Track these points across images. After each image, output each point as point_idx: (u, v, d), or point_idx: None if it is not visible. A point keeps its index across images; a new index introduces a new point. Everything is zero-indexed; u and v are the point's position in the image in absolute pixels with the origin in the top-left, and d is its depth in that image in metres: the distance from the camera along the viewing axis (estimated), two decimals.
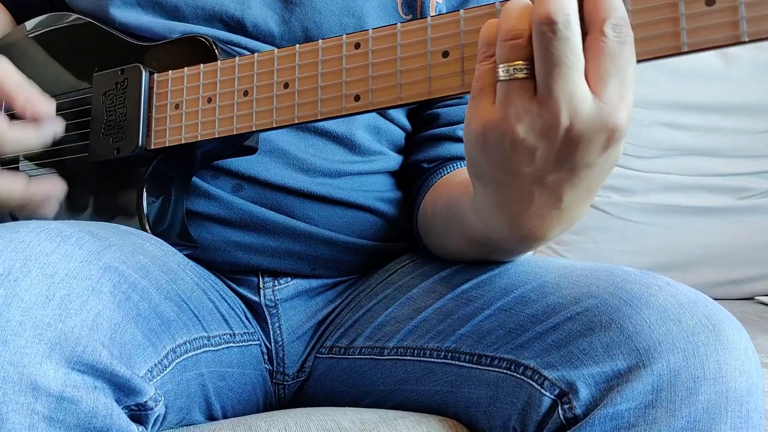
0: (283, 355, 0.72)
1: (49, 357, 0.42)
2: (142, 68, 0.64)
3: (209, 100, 0.61)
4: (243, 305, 0.71)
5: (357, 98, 0.55)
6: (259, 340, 0.71)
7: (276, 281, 0.71)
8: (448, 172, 0.73)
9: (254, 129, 0.59)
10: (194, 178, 0.68)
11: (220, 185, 0.68)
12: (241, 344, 0.67)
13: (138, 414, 0.48)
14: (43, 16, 0.75)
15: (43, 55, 0.74)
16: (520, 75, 0.45)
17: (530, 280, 0.60)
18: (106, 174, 0.67)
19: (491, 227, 0.56)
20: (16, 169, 0.71)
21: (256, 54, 0.60)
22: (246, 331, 0.69)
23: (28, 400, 0.41)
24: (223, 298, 0.68)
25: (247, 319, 0.71)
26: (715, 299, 0.55)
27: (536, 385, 0.53)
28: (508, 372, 0.56)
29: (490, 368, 0.58)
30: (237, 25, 0.69)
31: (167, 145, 0.63)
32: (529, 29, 0.44)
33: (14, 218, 0.71)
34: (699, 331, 0.51)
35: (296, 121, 0.57)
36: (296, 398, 0.73)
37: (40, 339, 0.42)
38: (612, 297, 0.53)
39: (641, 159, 1.50)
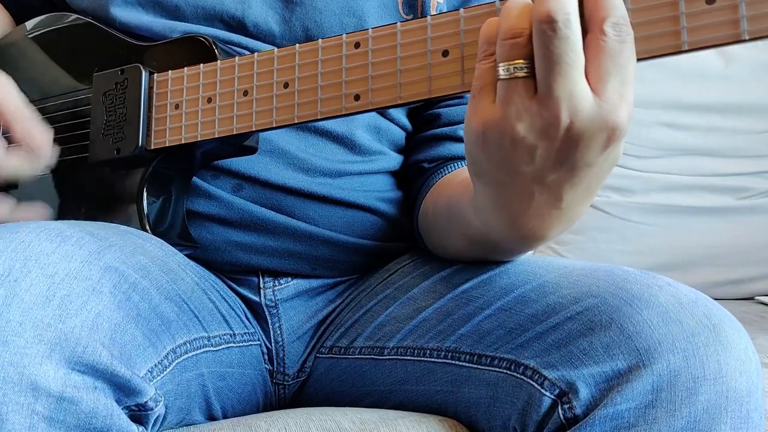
0: (284, 355, 0.72)
1: (49, 357, 0.42)
2: (141, 68, 0.64)
3: (209, 100, 0.61)
4: (243, 305, 0.71)
5: (357, 98, 0.55)
6: (259, 340, 0.71)
7: (276, 281, 0.71)
8: (448, 172, 0.73)
9: (254, 129, 0.59)
10: (194, 178, 0.68)
11: (221, 185, 0.68)
12: (241, 344, 0.67)
13: (138, 414, 0.48)
14: (43, 17, 0.75)
15: (43, 56, 0.74)
16: (521, 74, 0.45)
17: (530, 280, 0.60)
18: (107, 174, 0.67)
19: (491, 227, 0.56)
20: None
21: (255, 54, 0.60)
22: (246, 331, 0.69)
23: (28, 400, 0.41)
24: (224, 298, 0.68)
25: (248, 319, 0.71)
26: (715, 299, 0.55)
27: (536, 385, 0.53)
28: (508, 372, 0.56)
29: (490, 368, 0.58)
30: (238, 25, 0.69)
31: (167, 145, 0.63)
32: (529, 28, 0.44)
33: None
34: (699, 331, 0.51)
35: (296, 121, 0.57)
36: (296, 398, 0.73)
37: (40, 339, 0.42)
38: (612, 297, 0.53)
39: (641, 159, 1.50)
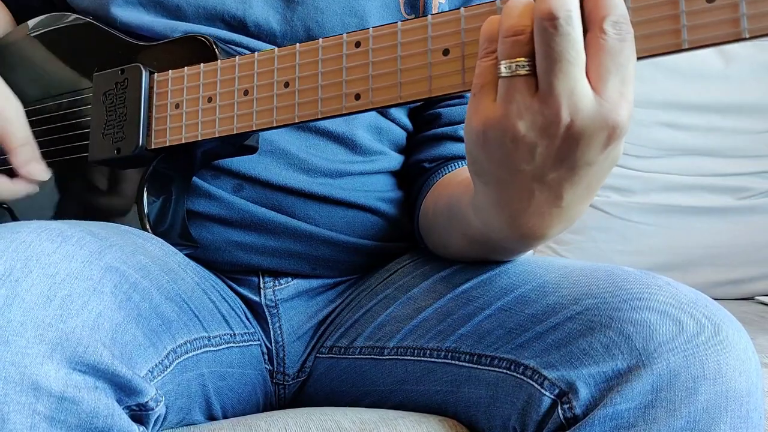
0: (284, 355, 0.72)
1: (50, 357, 0.42)
2: (142, 68, 0.63)
3: (209, 100, 0.61)
4: (243, 305, 0.71)
5: (357, 97, 0.55)
6: (259, 340, 0.71)
7: (276, 281, 0.71)
8: (449, 172, 0.73)
9: (254, 128, 0.59)
10: (195, 179, 0.68)
11: (221, 185, 0.68)
12: (241, 344, 0.67)
13: (139, 414, 0.49)
14: (43, 16, 0.75)
15: (43, 55, 0.74)
16: (522, 71, 0.45)
17: (530, 280, 0.60)
18: (107, 174, 0.67)
19: (491, 226, 0.56)
20: (9, 170, 0.71)
21: (256, 53, 0.60)
22: (246, 331, 0.69)
23: (29, 400, 0.41)
24: (224, 298, 0.68)
25: (248, 319, 0.71)
26: (715, 299, 0.55)
27: (536, 385, 0.53)
28: (508, 372, 0.56)
29: (490, 368, 0.58)
30: (239, 25, 0.69)
31: (167, 144, 0.63)
32: (531, 25, 0.44)
33: (14, 219, 0.71)
34: (699, 331, 0.51)
35: (296, 121, 0.57)
36: (296, 398, 0.73)
37: (41, 339, 0.42)
38: (612, 297, 0.53)
39: (641, 159, 1.50)
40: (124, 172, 0.66)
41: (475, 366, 0.59)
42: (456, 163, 0.74)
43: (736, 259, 1.48)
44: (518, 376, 0.55)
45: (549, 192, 0.49)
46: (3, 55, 0.76)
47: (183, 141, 0.62)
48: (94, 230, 0.52)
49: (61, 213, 0.69)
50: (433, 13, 0.71)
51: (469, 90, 0.49)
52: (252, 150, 0.66)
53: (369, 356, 0.67)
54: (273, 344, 0.71)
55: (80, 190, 0.69)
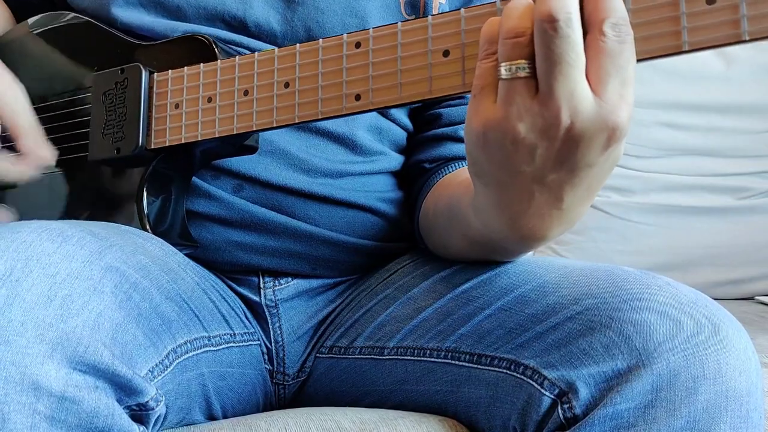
0: (284, 355, 0.72)
1: (50, 357, 0.42)
2: (141, 68, 0.64)
3: (209, 100, 0.61)
4: (243, 305, 0.71)
5: (358, 98, 0.55)
6: (259, 340, 0.71)
7: (276, 281, 0.71)
8: (449, 172, 0.73)
9: (254, 129, 0.59)
10: (195, 179, 0.68)
11: (221, 186, 0.68)
12: (241, 344, 0.67)
13: (139, 414, 0.49)
14: (41, 15, 0.75)
15: (43, 54, 0.74)
16: (522, 73, 0.45)
17: (530, 280, 0.60)
18: (107, 174, 0.67)
19: (491, 227, 0.56)
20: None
21: (256, 53, 0.60)
22: (246, 331, 0.69)
23: (29, 400, 0.41)
24: (224, 298, 0.68)
25: (248, 319, 0.71)
26: (715, 299, 0.55)
27: (536, 385, 0.53)
28: (508, 372, 0.56)
29: (490, 368, 0.58)
30: (239, 25, 0.69)
31: (167, 144, 0.63)
32: (531, 27, 0.44)
33: (15, 218, 0.71)
34: (699, 331, 0.51)
35: (297, 121, 0.57)
36: (296, 398, 0.73)
37: (41, 339, 0.42)
38: (612, 297, 0.54)
39: (641, 159, 1.50)
40: (124, 171, 0.66)
41: (475, 366, 0.59)
42: (456, 164, 0.74)
43: (736, 259, 1.48)
44: (518, 376, 0.55)
45: (549, 194, 0.49)
46: (3, 53, 0.76)
47: (183, 141, 0.62)
48: (94, 230, 0.52)
49: (61, 213, 0.69)
50: (434, 14, 0.71)
51: (469, 91, 0.49)
52: (252, 150, 0.66)
53: (369, 356, 0.67)
54: (273, 344, 0.71)
55: (80, 190, 0.69)
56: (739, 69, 1.52)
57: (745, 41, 0.43)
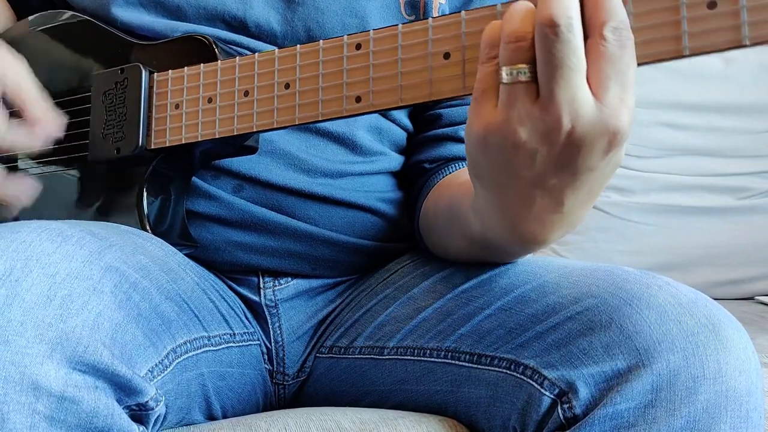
0: (283, 355, 0.72)
1: (50, 357, 0.42)
2: (141, 68, 0.63)
3: (210, 100, 0.61)
4: (243, 305, 0.71)
5: (358, 99, 0.55)
6: (259, 340, 0.71)
7: (276, 281, 0.71)
8: (449, 173, 0.73)
9: (255, 129, 0.59)
10: (195, 179, 0.68)
11: (221, 186, 0.68)
12: (241, 344, 0.67)
13: (139, 414, 0.49)
14: (40, 14, 0.75)
15: (43, 53, 0.74)
16: (523, 78, 0.45)
17: (530, 280, 0.60)
18: (106, 174, 0.67)
19: (491, 229, 0.56)
20: (15, 167, 0.71)
21: (256, 54, 0.60)
22: (246, 331, 0.69)
23: (29, 399, 0.41)
24: (223, 298, 0.68)
25: (247, 319, 0.71)
26: (715, 299, 0.55)
27: (536, 385, 0.54)
28: (508, 372, 0.56)
29: (490, 368, 0.58)
30: (239, 25, 0.69)
31: (167, 145, 0.63)
32: (532, 32, 0.44)
33: (15, 218, 0.71)
34: (699, 331, 0.51)
35: (297, 122, 0.57)
36: (296, 398, 0.73)
37: (41, 339, 0.42)
38: (612, 297, 0.54)
39: (641, 159, 1.50)
40: (124, 172, 0.66)
41: (475, 366, 0.59)
42: (456, 164, 0.74)
43: (736, 259, 1.48)
44: (518, 375, 0.55)
45: (550, 197, 0.49)
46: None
47: (183, 142, 0.62)
48: (94, 230, 0.52)
49: (60, 213, 0.69)
50: (434, 15, 0.71)
51: (469, 94, 0.49)
52: (252, 150, 0.66)
53: (369, 356, 0.67)
54: (273, 344, 0.71)
55: (80, 190, 0.69)
56: (739, 69, 1.52)
57: (745, 46, 0.43)
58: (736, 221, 1.49)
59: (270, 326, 0.71)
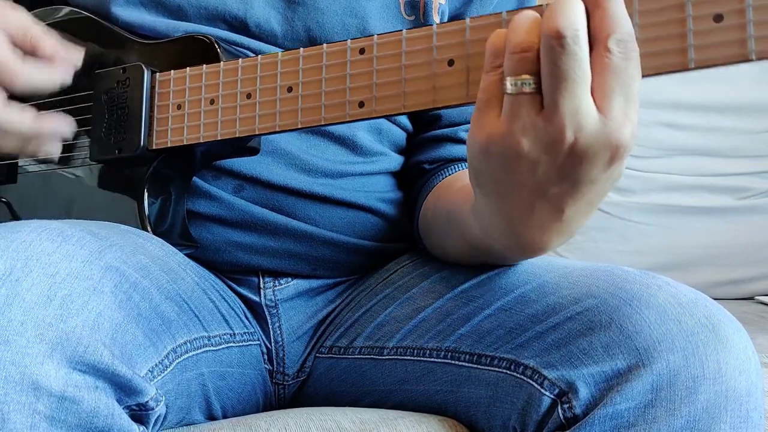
0: (283, 355, 0.72)
1: (50, 357, 0.42)
2: (144, 67, 0.63)
3: (212, 102, 0.61)
4: (243, 305, 0.71)
5: (361, 105, 0.54)
6: (259, 340, 0.71)
7: (276, 281, 0.71)
8: (449, 174, 0.73)
9: (257, 132, 0.59)
10: (195, 179, 0.68)
11: (222, 186, 0.68)
12: (241, 344, 0.67)
13: (139, 414, 0.49)
14: (38, 9, 0.74)
15: None
16: (528, 89, 0.45)
17: (530, 280, 0.60)
18: (107, 173, 0.67)
19: (491, 235, 0.56)
20: (15, 165, 0.71)
21: (259, 56, 0.59)
22: (246, 331, 0.69)
23: (29, 399, 0.41)
24: (224, 298, 0.68)
25: (247, 319, 0.71)
26: (715, 299, 0.55)
27: (536, 385, 0.54)
28: (508, 372, 0.56)
29: (489, 368, 0.58)
30: (240, 25, 0.69)
31: (169, 145, 0.63)
32: (538, 43, 0.44)
33: (15, 217, 0.71)
34: (698, 331, 0.51)
35: (300, 126, 0.57)
36: (296, 398, 0.73)
37: (41, 339, 0.42)
38: (612, 297, 0.54)
39: (641, 159, 1.50)
40: (125, 172, 0.66)
41: (475, 366, 0.59)
42: (456, 165, 0.74)
43: (736, 259, 1.48)
44: (518, 375, 0.55)
45: (550, 206, 0.49)
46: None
47: (184, 143, 0.62)
48: (94, 230, 0.52)
49: (60, 213, 0.69)
50: (434, 15, 0.71)
51: (472, 103, 0.49)
52: (254, 151, 0.66)
53: (369, 356, 0.67)
54: (273, 344, 0.71)
55: (80, 189, 0.69)
56: (739, 69, 1.51)
57: (751, 60, 0.42)
58: (736, 221, 1.49)
59: (270, 326, 0.71)
